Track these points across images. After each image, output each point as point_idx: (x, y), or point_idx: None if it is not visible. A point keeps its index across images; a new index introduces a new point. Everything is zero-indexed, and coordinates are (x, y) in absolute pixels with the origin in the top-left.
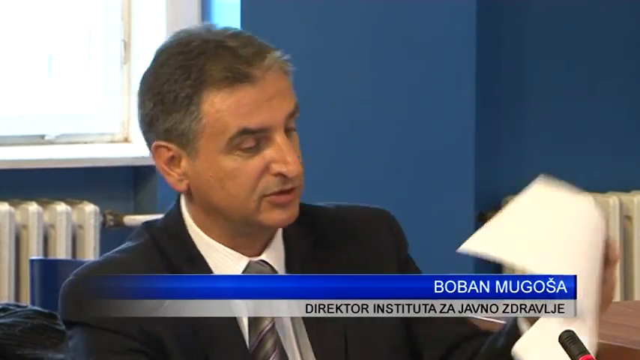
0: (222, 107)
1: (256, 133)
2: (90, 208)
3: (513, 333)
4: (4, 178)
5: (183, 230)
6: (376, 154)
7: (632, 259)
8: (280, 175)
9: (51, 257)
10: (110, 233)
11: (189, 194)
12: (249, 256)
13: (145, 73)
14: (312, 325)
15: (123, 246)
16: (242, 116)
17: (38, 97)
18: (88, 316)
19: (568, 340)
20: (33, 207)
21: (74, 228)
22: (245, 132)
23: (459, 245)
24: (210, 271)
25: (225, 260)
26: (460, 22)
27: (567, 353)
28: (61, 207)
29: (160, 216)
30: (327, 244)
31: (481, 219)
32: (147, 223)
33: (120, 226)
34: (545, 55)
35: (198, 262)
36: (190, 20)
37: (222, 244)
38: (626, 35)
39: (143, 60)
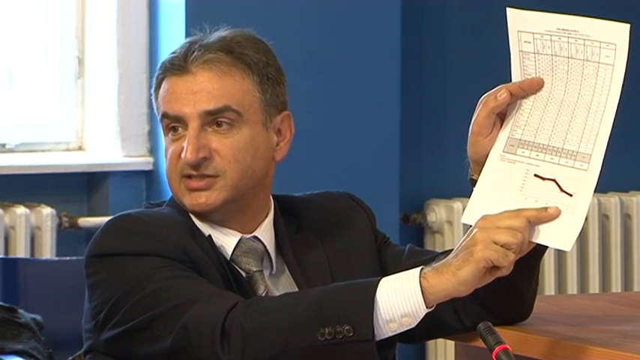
0: (161, 93)
1: (177, 121)
2: (47, 210)
3: None
4: None
5: (182, 205)
6: (307, 159)
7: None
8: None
9: (11, 256)
10: (66, 234)
11: None
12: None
13: None
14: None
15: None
16: (166, 102)
17: None
18: (136, 245)
19: (485, 332)
20: None
21: (32, 229)
22: (165, 116)
23: None
24: (212, 241)
25: (217, 235)
26: (385, 36)
27: (485, 343)
28: (21, 210)
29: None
30: (308, 227)
31: (405, 220)
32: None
33: (74, 227)
34: (468, 63)
35: (199, 234)
36: (138, 40)
37: (211, 221)
38: None
39: (96, 75)
